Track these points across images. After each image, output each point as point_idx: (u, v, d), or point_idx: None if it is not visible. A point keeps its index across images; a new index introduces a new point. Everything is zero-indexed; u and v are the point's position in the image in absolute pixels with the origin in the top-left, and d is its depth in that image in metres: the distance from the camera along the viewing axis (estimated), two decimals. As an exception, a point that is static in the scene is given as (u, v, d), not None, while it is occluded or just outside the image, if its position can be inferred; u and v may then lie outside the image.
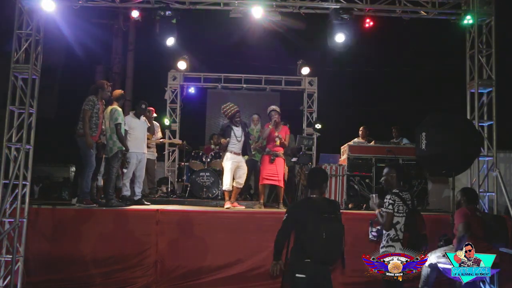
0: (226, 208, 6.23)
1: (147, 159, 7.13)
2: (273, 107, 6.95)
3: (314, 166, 3.64)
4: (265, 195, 7.22)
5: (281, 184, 6.69)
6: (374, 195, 4.25)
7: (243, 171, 6.53)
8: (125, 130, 6.33)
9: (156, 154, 8.07)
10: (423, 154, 5.52)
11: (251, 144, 7.32)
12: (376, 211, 4.12)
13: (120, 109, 6.25)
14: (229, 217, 5.81)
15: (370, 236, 4.28)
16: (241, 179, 6.52)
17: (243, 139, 6.50)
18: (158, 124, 8.12)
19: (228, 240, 5.56)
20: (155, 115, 7.77)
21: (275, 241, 3.65)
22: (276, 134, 6.73)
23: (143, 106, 6.76)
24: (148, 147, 7.42)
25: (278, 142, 6.72)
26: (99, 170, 6.33)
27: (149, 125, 7.06)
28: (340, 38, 6.39)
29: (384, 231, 4.06)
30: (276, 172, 6.62)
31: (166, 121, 10.11)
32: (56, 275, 5.38)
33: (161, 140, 8.25)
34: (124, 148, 6.19)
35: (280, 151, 6.74)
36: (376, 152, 6.93)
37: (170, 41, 6.73)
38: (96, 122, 5.88)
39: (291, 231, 3.65)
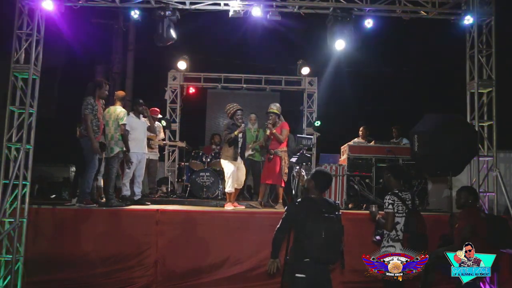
0: (230, 209, 6.20)
1: (150, 159, 7.11)
2: (271, 107, 6.79)
3: (321, 168, 3.59)
4: (265, 195, 7.20)
5: (278, 182, 6.64)
6: (373, 205, 4.34)
7: (242, 172, 6.54)
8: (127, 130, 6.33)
9: (158, 154, 8.07)
10: (417, 155, 5.52)
11: (249, 144, 7.31)
12: (377, 218, 4.17)
13: (125, 110, 6.27)
14: (229, 217, 5.82)
15: (374, 239, 4.30)
16: (240, 180, 6.53)
17: (241, 140, 6.50)
18: (160, 125, 8.11)
19: (228, 240, 5.56)
20: (160, 116, 7.75)
21: (272, 239, 3.64)
22: (270, 131, 6.58)
23: (140, 101, 6.73)
24: (151, 147, 7.42)
25: (268, 132, 6.56)
26: (99, 170, 6.32)
27: (149, 124, 7.06)
28: (340, 39, 6.38)
29: (384, 231, 4.07)
30: (273, 170, 6.58)
31: (163, 122, 9.97)
32: (56, 275, 5.38)
33: (164, 142, 8.22)
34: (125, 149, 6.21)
35: (277, 148, 6.62)
36: (376, 152, 6.93)
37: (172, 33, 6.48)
38: (97, 123, 5.89)
39: (290, 230, 3.64)
